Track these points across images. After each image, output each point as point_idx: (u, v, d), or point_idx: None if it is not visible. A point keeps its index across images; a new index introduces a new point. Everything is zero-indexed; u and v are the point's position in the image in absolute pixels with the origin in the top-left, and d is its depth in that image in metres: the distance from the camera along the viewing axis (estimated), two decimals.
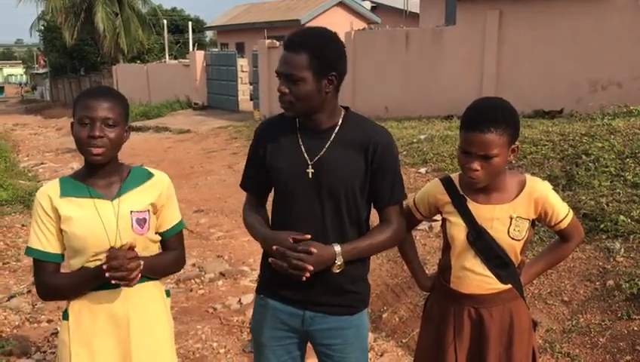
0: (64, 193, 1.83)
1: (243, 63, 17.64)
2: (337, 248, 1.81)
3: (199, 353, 3.63)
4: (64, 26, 26.60)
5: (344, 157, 1.85)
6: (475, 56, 10.38)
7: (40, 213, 1.82)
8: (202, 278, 4.86)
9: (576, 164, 5.37)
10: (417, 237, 4.75)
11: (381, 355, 3.53)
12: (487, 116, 1.80)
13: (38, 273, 1.86)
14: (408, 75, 11.54)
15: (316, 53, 1.76)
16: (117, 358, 1.87)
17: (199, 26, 32.23)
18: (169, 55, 25.25)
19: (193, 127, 14.67)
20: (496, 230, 1.91)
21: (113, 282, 1.75)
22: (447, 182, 2.02)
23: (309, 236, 1.80)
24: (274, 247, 1.79)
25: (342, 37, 7.88)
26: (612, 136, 5.75)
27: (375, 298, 4.09)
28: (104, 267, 1.73)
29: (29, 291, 4.50)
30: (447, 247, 2.04)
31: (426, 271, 2.31)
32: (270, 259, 1.81)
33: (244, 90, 17.48)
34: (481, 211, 1.93)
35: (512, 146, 1.85)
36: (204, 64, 18.73)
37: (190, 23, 24.74)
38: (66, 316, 1.89)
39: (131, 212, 1.85)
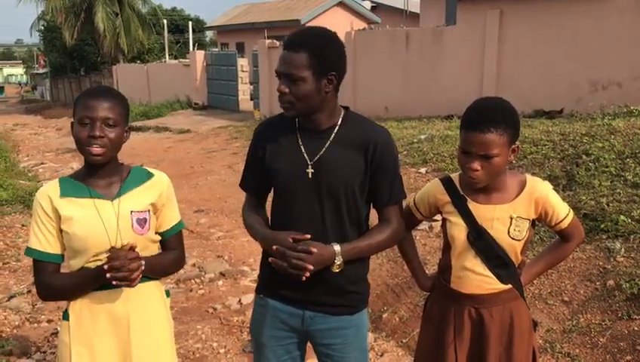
0: (64, 193, 1.83)
1: (243, 63, 17.63)
2: (337, 248, 1.81)
3: (199, 353, 3.63)
4: (64, 25, 26.62)
5: (344, 157, 1.85)
6: (476, 56, 10.38)
7: (40, 213, 1.82)
8: (202, 278, 4.86)
9: (576, 163, 5.37)
10: (417, 237, 4.74)
11: (381, 355, 3.53)
12: (488, 116, 1.80)
13: (38, 273, 1.85)
14: (408, 75, 11.54)
15: (316, 52, 1.76)
16: (117, 358, 1.87)
17: (199, 26, 32.24)
18: (169, 55, 25.26)
19: (193, 126, 14.66)
20: (496, 230, 1.91)
21: (114, 283, 1.74)
22: (447, 182, 2.02)
23: (308, 236, 1.80)
24: (274, 247, 1.79)
25: (342, 37, 7.90)
26: (612, 136, 5.75)
27: (375, 298, 4.09)
28: (105, 267, 1.73)
29: (29, 291, 4.50)
30: (447, 247, 2.04)
31: (426, 271, 2.30)
32: (270, 259, 1.81)
33: (244, 90, 17.48)
34: (481, 211, 1.93)
35: (513, 146, 1.85)
36: (205, 64, 18.73)
37: (190, 22, 24.77)
38: (66, 316, 1.89)
39: (131, 212, 1.85)
